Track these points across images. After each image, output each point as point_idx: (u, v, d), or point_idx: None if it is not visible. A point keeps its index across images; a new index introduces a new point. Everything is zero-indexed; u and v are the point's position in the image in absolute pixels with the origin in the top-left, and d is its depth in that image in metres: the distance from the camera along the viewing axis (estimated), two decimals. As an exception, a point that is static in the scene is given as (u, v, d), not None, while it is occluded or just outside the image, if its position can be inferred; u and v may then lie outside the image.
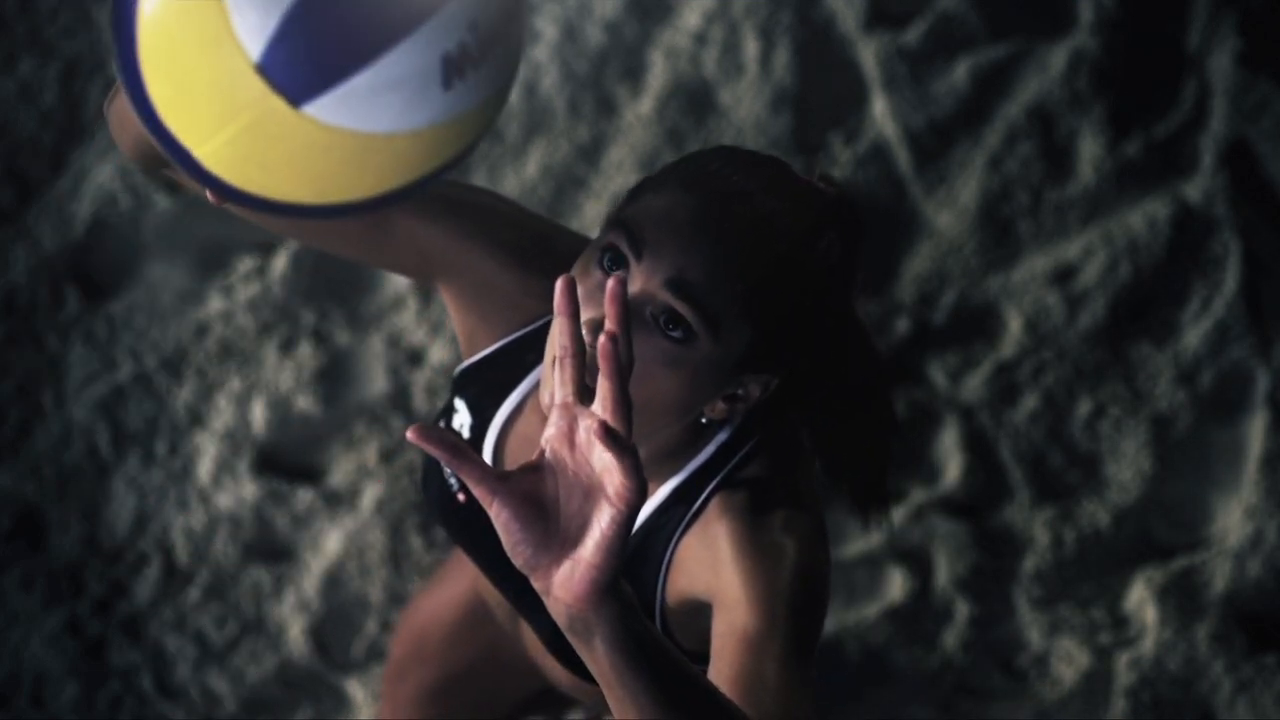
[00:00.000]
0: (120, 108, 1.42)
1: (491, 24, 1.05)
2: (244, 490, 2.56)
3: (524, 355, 1.61)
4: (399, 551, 2.54)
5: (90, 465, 2.57)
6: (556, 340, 1.21)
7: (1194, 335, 2.71)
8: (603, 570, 1.17)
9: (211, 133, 1.00)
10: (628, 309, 1.20)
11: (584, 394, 1.21)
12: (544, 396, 1.42)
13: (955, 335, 2.72)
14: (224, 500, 2.55)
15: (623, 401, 1.18)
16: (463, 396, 1.67)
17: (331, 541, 2.54)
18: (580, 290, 1.41)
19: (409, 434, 1.15)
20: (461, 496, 1.67)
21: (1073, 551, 2.58)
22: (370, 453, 2.60)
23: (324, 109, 0.99)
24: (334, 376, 2.65)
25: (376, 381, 2.65)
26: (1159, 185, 2.81)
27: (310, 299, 2.69)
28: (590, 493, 1.19)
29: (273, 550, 2.55)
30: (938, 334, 2.72)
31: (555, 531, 1.19)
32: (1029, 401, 2.67)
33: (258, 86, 0.98)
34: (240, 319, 2.67)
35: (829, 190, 1.49)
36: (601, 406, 1.18)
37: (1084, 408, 2.67)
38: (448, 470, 1.67)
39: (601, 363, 1.17)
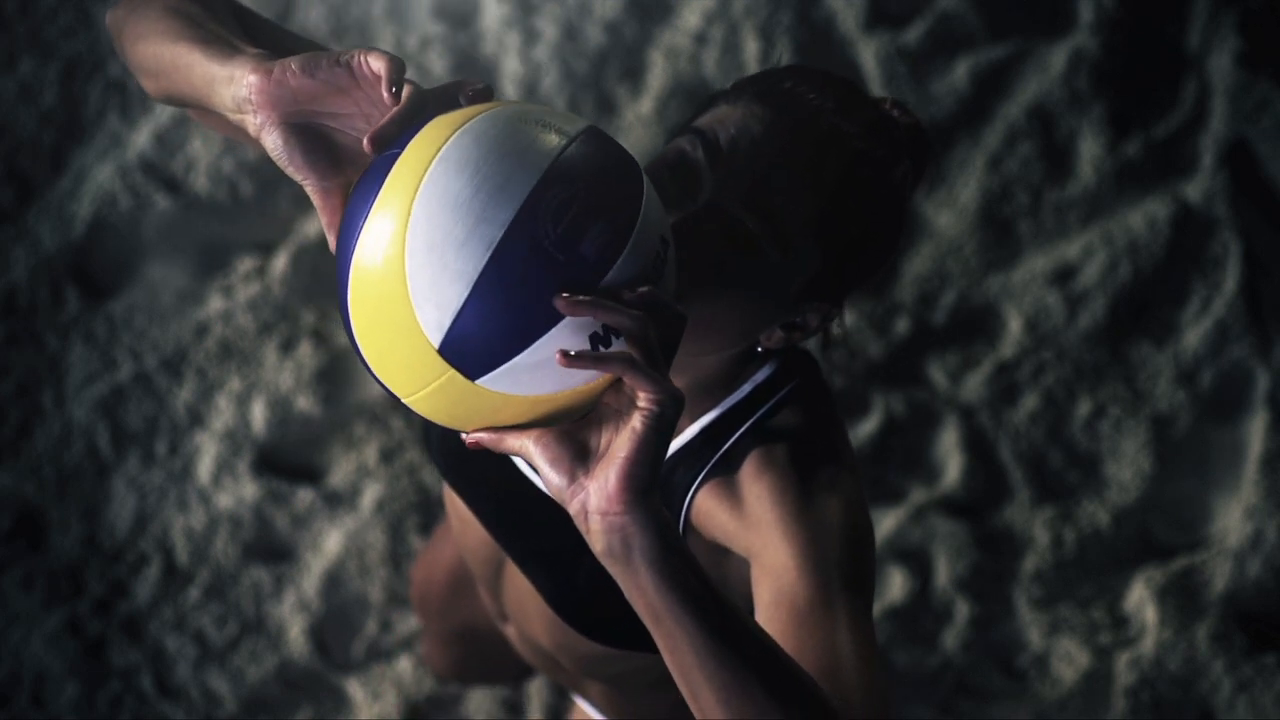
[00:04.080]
0: (142, 52, 1.38)
1: None
2: (244, 490, 2.56)
3: None
4: (399, 551, 2.54)
5: (90, 465, 2.57)
6: None
7: (1194, 335, 2.71)
8: (638, 466, 1.16)
9: (412, 391, 1.22)
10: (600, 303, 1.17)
11: None
12: None
13: (955, 335, 2.72)
14: (224, 500, 2.55)
15: (633, 330, 1.16)
16: None
17: (331, 541, 2.54)
18: None
19: None
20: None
21: (1073, 551, 2.58)
22: (370, 453, 2.59)
23: (494, 381, 1.19)
24: (334, 376, 2.65)
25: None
26: (1159, 185, 2.81)
27: (310, 299, 2.69)
28: (622, 406, 1.19)
29: (273, 550, 2.55)
30: (938, 334, 2.72)
31: (591, 450, 1.18)
32: (1029, 401, 2.67)
33: (440, 365, 1.20)
34: (240, 319, 2.67)
35: (903, 119, 1.45)
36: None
37: (1084, 408, 2.67)
38: None
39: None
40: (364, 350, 1.23)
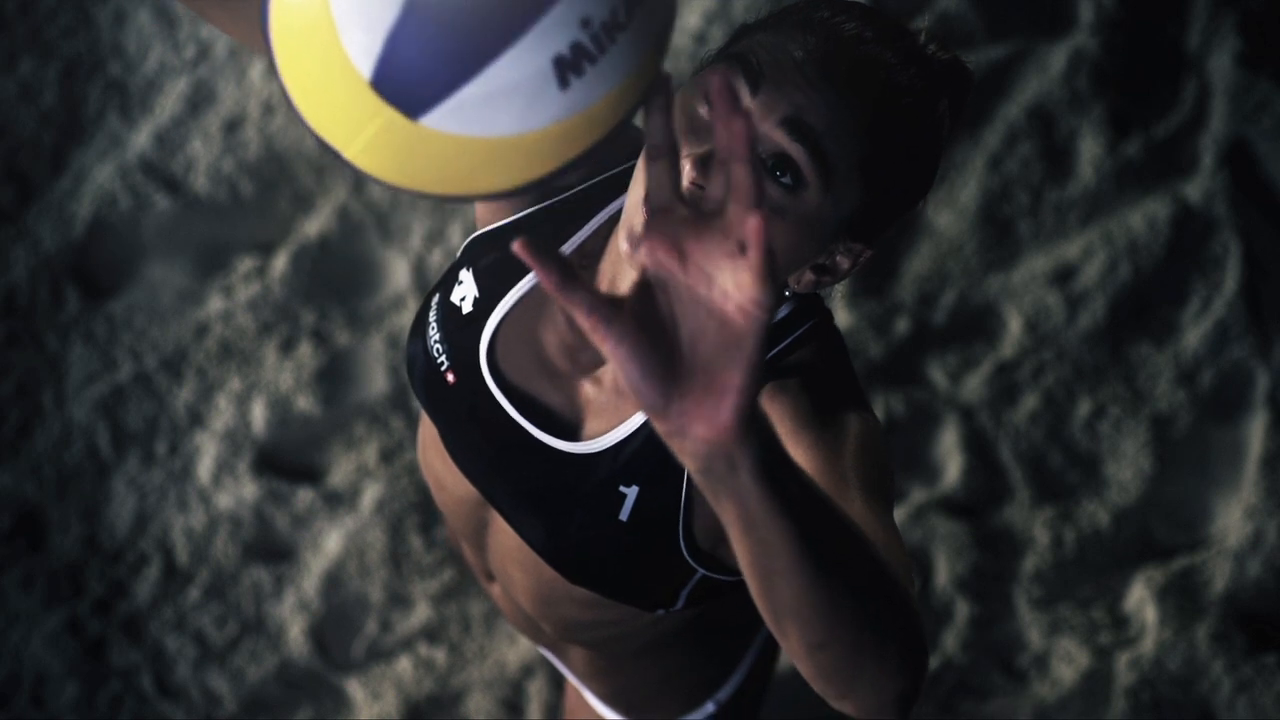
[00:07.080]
0: None
1: (609, 17, 1.04)
2: (244, 490, 2.56)
3: (561, 227, 1.50)
4: (399, 551, 2.54)
5: (90, 465, 2.57)
6: (648, 139, 1.05)
7: (1194, 335, 2.71)
8: (746, 393, 1.02)
9: (349, 139, 1.03)
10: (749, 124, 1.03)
11: (680, 198, 1.04)
12: (622, 242, 1.32)
13: (955, 335, 2.72)
14: (224, 500, 2.55)
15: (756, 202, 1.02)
16: (471, 267, 1.54)
17: (331, 541, 2.54)
18: (683, 131, 1.31)
19: (515, 247, 1.01)
20: (451, 377, 1.54)
21: (1073, 551, 2.58)
22: (370, 453, 2.60)
23: (440, 120, 1.01)
24: (334, 376, 2.65)
25: (376, 381, 2.65)
26: (1159, 185, 2.81)
27: (310, 299, 2.69)
28: (713, 308, 1.02)
29: (273, 550, 2.55)
30: (938, 334, 2.72)
31: (679, 360, 1.04)
32: (1029, 401, 2.67)
33: (374, 102, 1.01)
34: (240, 319, 2.67)
35: (940, 54, 1.41)
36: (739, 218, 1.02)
37: (1084, 408, 2.67)
38: (436, 348, 1.55)
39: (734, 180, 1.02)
40: (291, 91, 1.04)
